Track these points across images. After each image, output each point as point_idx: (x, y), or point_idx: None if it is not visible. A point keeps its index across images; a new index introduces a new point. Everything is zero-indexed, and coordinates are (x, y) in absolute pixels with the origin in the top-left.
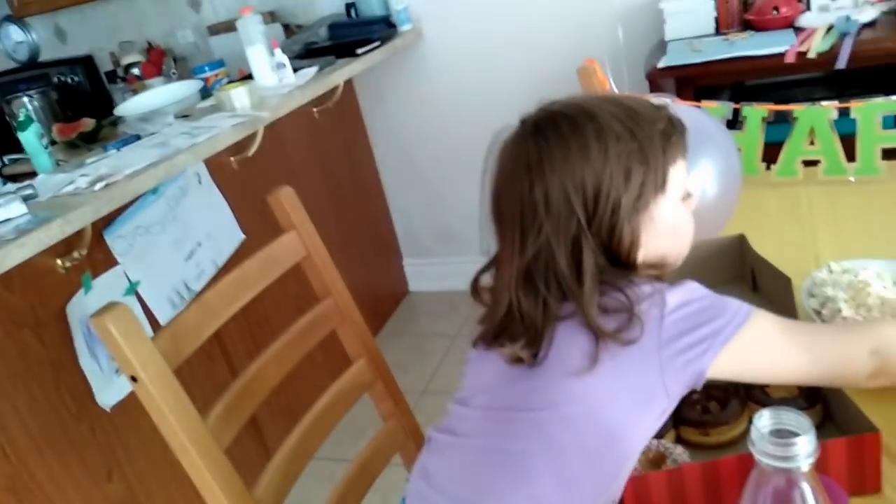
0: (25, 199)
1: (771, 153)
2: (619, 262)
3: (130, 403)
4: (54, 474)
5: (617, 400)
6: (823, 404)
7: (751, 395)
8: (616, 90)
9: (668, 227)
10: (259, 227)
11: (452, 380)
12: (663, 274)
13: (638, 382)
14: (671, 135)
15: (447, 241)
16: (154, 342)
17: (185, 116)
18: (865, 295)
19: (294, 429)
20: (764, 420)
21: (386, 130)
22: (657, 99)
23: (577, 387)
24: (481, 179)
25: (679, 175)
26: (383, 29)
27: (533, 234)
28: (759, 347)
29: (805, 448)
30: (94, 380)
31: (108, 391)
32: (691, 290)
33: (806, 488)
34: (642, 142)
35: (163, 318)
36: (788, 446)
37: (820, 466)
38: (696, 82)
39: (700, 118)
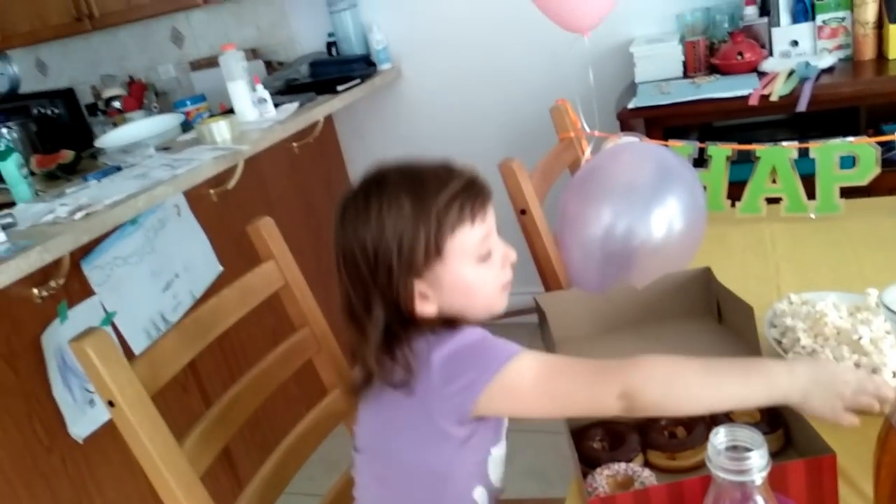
0: (4, 227)
1: (735, 191)
2: (407, 316)
3: (103, 435)
4: None
5: (399, 440)
6: (785, 429)
7: (716, 421)
8: (587, 129)
9: (453, 287)
10: (237, 259)
11: None
12: (460, 324)
13: (417, 425)
14: (454, 205)
15: None
16: (132, 367)
17: (165, 149)
18: (822, 325)
19: (270, 456)
20: (720, 437)
21: (365, 166)
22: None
23: (375, 430)
24: None
25: (466, 240)
26: (363, 67)
27: (340, 278)
28: (513, 391)
29: (758, 462)
30: (67, 410)
31: (81, 422)
32: (461, 339)
33: (759, 501)
34: (418, 214)
35: (138, 349)
36: (742, 460)
37: (780, 488)
38: (665, 123)
39: (666, 156)
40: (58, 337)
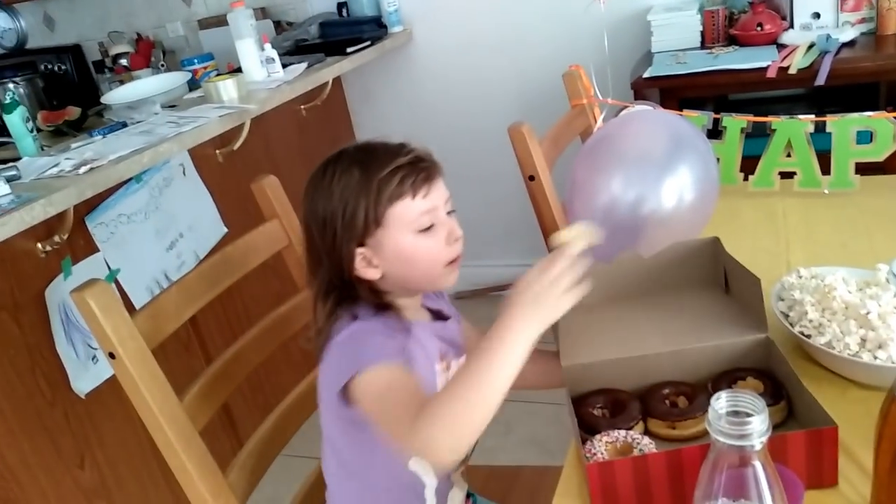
0: (8, 180)
1: (749, 166)
2: (348, 280)
3: (105, 391)
4: (26, 459)
5: (324, 401)
6: (788, 402)
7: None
8: (600, 96)
9: (394, 254)
10: (242, 221)
11: None
12: (410, 294)
13: (328, 390)
14: (396, 177)
15: None
16: (133, 320)
17: (172, 106)
18: (831, 299)
19: (270, 414)
20: (721, 402)
21: (373, 130)
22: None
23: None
24: None
25: (406, 211)
26: (374, 29)
27: (305, 242)
28: (363, 396)
29: (758, 427)
30: (70, 366)
31: (84, 378)
32: (353, 328)
33: (758, 466)
34: (361, 185)
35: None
36: (743, 425)
37: (780, 458)
38: (680, 93)
39: (680, 124)
40: (61, 292)
